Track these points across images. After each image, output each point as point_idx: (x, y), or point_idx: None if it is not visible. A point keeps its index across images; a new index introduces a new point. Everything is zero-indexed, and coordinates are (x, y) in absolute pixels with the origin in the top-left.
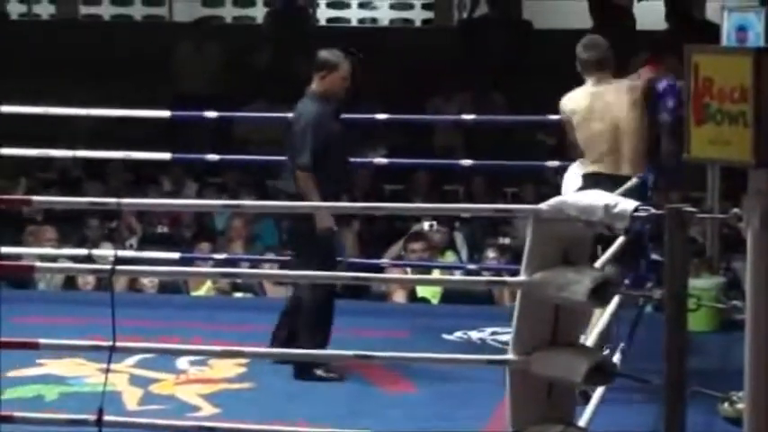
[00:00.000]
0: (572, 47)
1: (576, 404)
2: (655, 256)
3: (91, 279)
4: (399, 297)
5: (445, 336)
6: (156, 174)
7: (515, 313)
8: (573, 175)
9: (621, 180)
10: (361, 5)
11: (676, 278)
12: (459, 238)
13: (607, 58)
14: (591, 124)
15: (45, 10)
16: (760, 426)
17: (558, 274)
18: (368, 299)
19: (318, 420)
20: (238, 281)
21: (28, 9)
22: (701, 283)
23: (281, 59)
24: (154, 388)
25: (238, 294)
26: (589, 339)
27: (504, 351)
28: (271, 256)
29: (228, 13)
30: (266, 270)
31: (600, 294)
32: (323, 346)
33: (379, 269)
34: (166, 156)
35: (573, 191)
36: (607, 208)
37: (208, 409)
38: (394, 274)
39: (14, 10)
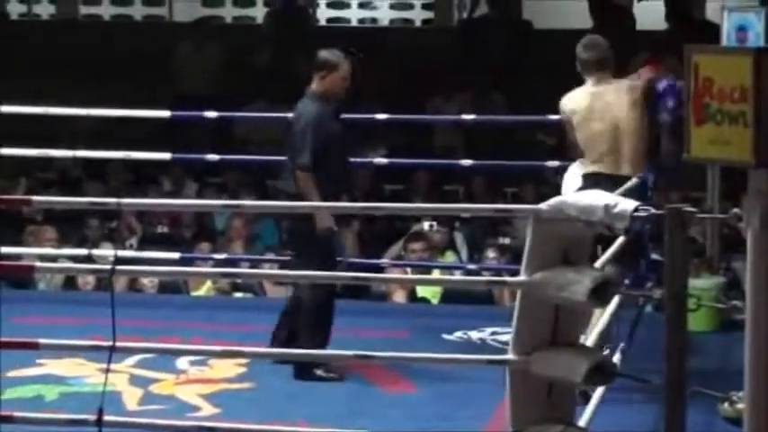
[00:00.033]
0: (572, 47)
1: (575, 404)
2: (655, 256)
3: (91, 279)
4: (399, 297)
5: (445, 336)
6: (156, 174)
7: (515, 313)
8: (573, 176)
9: (621, 180)
10: (361, 5)
11: (676, 278)
12: (459, 238)
13: (607, 58)
14: (591, 124)
15: (45, 10)
16: (760, 426)
17: (558, 274)
18: (368, 299)
19: (318, 420)
20: (238, 281)
21: (28, 9)
22: (701, 283)
23: (280, 59)
24: (154, 388)
25: (238, 294)
26: (589, 339)
27: (504, 351)
28: (271, 256)
29: (228, 12)
30: (266, 270)
31: (600, 294)
32: (323, 347)
33: (379, 269)
34: (166, 156)
35: (573, 191)
36: (607, 208)
37: (208, 409)
38: (394, 275)
39: (14, 10)
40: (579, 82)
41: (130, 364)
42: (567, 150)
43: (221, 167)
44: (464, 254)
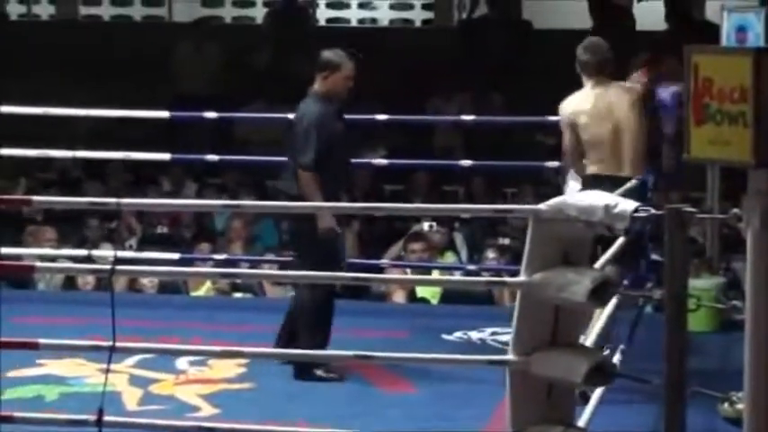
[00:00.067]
0: (572, 47)
1: (575, 404)
2: (655, 257)
3: (91, 279)
4: (399, 297)
5: (445, 336)
6: (156, 174)
7: (515, 314)
8: (573, 184)
9: (622, 181)
10: (360, 6)
11: (676, 278)
12: (458, 238)
13: (607, 60)
14: (596, 125)
15: (45, 10)
16: (760, 426)
17: (558, 274)
18: (367, 299)
19: (318, 421)
20: (238, 281)
21: (28, 9)
22: (701, 284)
23: (280, 60)
24: (154, 388)
25: (238, 295)
26: (589, 340)
27: (503, 351)
28: (270, 256)
29: (228, 13)
30: (266, 270)
31: (600, 295)
32: (323, 347)
33: (379, 269)
34: (166, 156)
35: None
36: (607, 208)
37: (207, 410)
38: (393, 275)
39: (14, 10)
40: (579, 83)
41: (130, 364)
42: (562, 156)
43: (221, 168)
44: (464, 254)
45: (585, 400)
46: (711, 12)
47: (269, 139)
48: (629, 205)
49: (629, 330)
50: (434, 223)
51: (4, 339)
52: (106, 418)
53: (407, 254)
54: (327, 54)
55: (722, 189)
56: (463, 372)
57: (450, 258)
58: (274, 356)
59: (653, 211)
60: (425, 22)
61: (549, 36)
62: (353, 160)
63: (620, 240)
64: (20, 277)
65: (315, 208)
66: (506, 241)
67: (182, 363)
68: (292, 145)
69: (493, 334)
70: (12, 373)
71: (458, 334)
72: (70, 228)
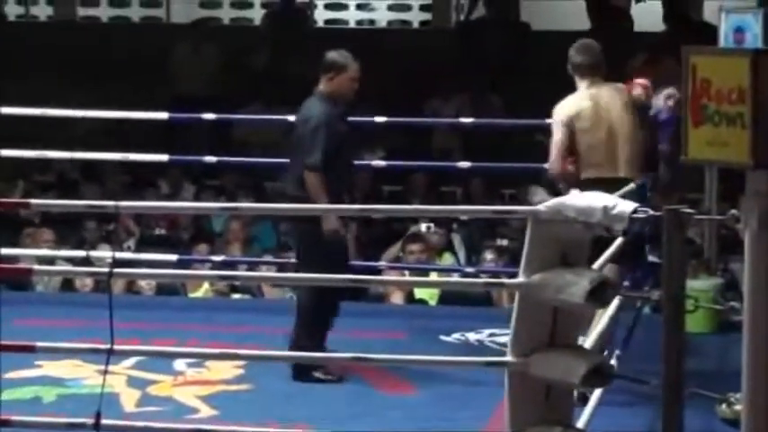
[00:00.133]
0: (570, 49)
1: (574, 406)
2: (653, 258)
3: (89, 281)
4: (397, 298)
5: (443, 337)
6: (154, 176)
7: (513, 315)
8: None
9: (619, 182)
10: (358, 7)
11: (674, 279)
12: (456, 239)
13: (600, 61)
14: (594, 129)
15: (43, 11)
16: (758, 427)
17: (557, 275)
18: (365, 300)
19: (317, 422)
20: (236, 283)
21: (25, 11)
22: (699, 285)
23: (278, 61)
24: (152, 389)
25: (236, 296)
26: (588, 341)
27: (502, 352)
28: (268, 257)
29: (226, 14)
30: (264, 272)
31: (598, 296)
32: (321, 347)
33: (377, 271)
34: (164, 158)
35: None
36: (605, 209)
37: (206, 411)
38: (392, 277)
39: (12, 11)
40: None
41: (128, 365)
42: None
43: (219, 169)
44: (462, 255)
45: (584, 401)
46: (709, 12)
47: (267, 140)
48: (627, 206)
49: (626, 332)
50: (432, 224)
51: (1, 342)
52: (104, 421)
53: (406, 255)
54: (332, 55)
55: (720, 190)
56: (462, 373)
57: (448, 259)
58: (273, 359)
59: (651, 212)
60: (423, 23)
61: (547, 37)
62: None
63: (619, 241)
64: (18, 279)
65: (314, 209)
66: (504, 242)
67: (180, 364)
68: (297, 146)
69: (491, 335)
70: (10, 375)
71: (456, 335)
72: (68, 229)
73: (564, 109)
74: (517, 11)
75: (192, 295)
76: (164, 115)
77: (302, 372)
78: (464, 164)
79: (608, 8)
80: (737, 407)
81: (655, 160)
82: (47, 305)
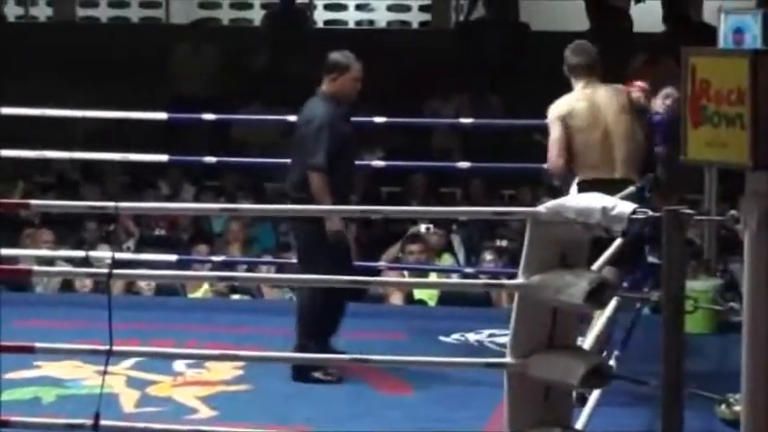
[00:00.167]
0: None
1: (573, 407)
2: (652, 259)
3: (88, 282)
4: (396, 299)
5: (442, 338)
6: (154, 177)
7: (513, 316)
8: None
9: (616, 183)
10: (358, 7)
11: (674, 280)
12: (456, 240)
13: (596, 62)
14: (588, 129)
15: (42, 12)
16: (757, 427)
17: (556, 276)
18: (365, 301)
19: (317, 422)
20: (236, 284)
21: (25, 11)
22: (699, 285)
23: (278, 61)
24: (151, 390)
25: (235, 296)
26: (587, 342)
27: (501, 353)
28: (268, 258)
29: (225, 14)
30: (264, 273)
31: (597, 297)
32: (323, 348)
33: (377, 271)
34: (164, 158)
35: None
36: (605, 210)
37: (205, 412)
38: (391, 278)
39: (12, 12)
40: None
41: (127, 366)
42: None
43: (219, 170)
44: (461, 256)
45: (583, 401)
46: (709, 13)
47: (266, 141)
48: (626, 207)
49: (626, 332)
50: (431, 225)
51: (1, 343)
52: (103, 421)
53: (405, 255)
54: (335, 56)
55: (720, 191)
56: (461, 374)
57: (447, 260)
58: (273, 359)
59: (650, 213)
60: (423, 23)
61: (546, 38)
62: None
63: (618, 242)
64: (18, 280)
65: (314, 210)
66: (504, 243)
67: (179, 365)
68: (299, 147)
69: (490, 336)
70: (9, 375)
71: (455, 336)
72: (68, 230)
73: (557, 107)
74: (516, 11)
75: (191, 296)
76: (163, 116)
77: (302, 372)
78: (464, 164)
79: (607, 9)
80: (737, 407)
81: (652, 161)
82: (46, 306)
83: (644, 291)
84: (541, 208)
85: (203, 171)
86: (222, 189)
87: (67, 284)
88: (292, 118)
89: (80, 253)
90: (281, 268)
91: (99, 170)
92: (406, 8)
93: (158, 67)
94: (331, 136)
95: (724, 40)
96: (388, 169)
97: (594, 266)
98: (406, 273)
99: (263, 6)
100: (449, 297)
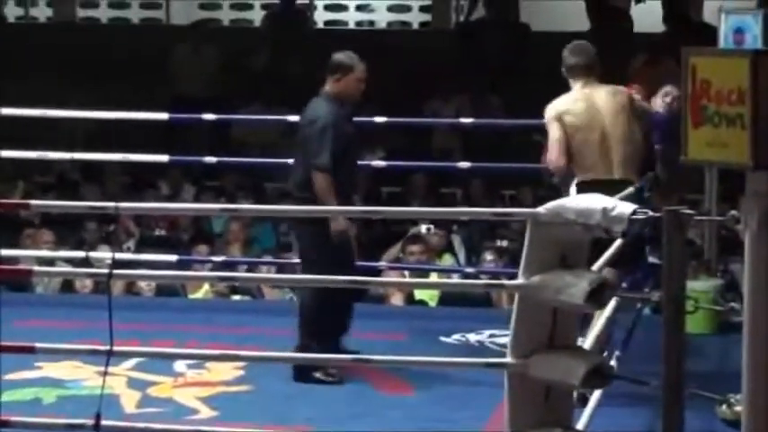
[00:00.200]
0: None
1: (573, 407)
2: (653, 259)
3: (88, 282)
4: (397, 300)
5: (443, 338)
6: (154, 177)
7: (513, 316)
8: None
9: (615, 184)
10: (358, 8)
11: (674, 280)
12: (456, 240)
13: (595, 63)
14: (585, 129)
15: (42, 13)
16: (758, 428)
17: (556, 277)
18: (365, 301)
19: (317, 422)
20: (236, 284)
21: (25, 12)
22: (699, 286)
23: (278, 62)
24: (152, 391)
25: (236, 297)
26: (587, 342)
27: (502, 353)
28: (268, 258)
29: (226, 15)
30: (264, 273)
31: (597, 297)
32: (326, 348)
33: (377, 272)
34: (164, 158)
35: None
36: (605, 211)
37: (206, 412)
38: (392, 278)
39: (12, 13)
40: None
41: (128, 367)
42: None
43: (219, 170)
44: (462, 256)
45: (584, 402)
46: (709, 13)
47: (266, 141)
48: (626, 208)
49: (626, 333)
50: (432, 226)
51: (1, 344)
52: (104, 422)
53: (406, 256)
54: (339, 56)
55: (720, 191)
56: (461, 374)
57: (448, 260)
58: (273, 360)
59: (651, 213)
60: (423, 24)
61: (546, 38)
62: None
63: (618, 243)
64: (18, 281)
65: (314, 211)
66: (504, 243)
67: (180, 365)
68: (302, 147)
69: (491, 336)
70: (10, 376)
71: (456, 336)
72: (68, 230)
73: (554, 106)
74: (517, 12)
75: (191, 296)
76: (164, 116)
77: (302, 372)
78: (464, 164)
79: (608, 9)
80: (738, 408)
81: (652, 160)
82: (47, 306)
83: (644, 291)
84: (541, 209)
85: (203, 171)
86: (222, 189)
87: (68, 285)
88: (292, 118)
89: (80, 253)
90: (281, 268)
91: (99, 170)
92: (407, 9)
93: (158, 67)
94: (335, 136)
95: (724, 40)
96: (388, 169)
97: (595, 267)
98: (406, 273)
99: (264, 7)
100: (449, 297)
